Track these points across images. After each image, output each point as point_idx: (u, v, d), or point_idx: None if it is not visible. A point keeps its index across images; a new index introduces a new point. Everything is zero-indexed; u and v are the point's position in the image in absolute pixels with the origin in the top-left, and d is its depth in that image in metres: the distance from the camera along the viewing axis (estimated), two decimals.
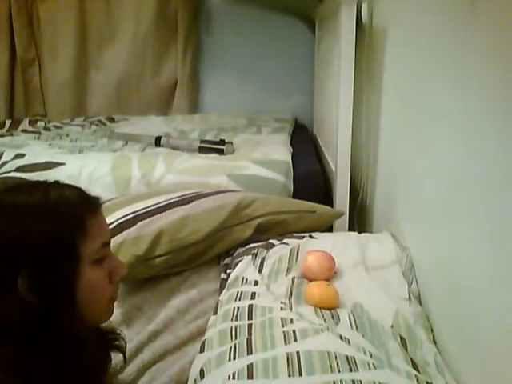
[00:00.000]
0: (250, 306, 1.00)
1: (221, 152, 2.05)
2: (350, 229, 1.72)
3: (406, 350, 0.88)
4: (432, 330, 1.01)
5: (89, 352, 0.79)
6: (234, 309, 1.01)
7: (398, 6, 1.45)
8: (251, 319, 0.96)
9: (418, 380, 0.79)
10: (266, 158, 1.92)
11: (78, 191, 0.80)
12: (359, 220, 1.82)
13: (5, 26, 2.87)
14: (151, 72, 2.93)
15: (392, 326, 0.94)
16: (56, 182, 0.80)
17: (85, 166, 1.85)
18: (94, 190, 1.48)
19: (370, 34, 1.71)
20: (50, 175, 1.77)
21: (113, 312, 0.85)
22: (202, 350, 0.92)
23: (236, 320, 0.97)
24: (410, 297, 1.05)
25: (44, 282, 0.72)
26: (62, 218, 0.74)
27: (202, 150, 2.10)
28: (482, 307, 0.83)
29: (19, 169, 1.86)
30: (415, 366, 0.83)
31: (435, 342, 0.98)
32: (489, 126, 0.82)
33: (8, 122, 2.73)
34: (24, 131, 2.57)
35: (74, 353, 0.75)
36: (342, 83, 1.63)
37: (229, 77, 2.96)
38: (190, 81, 2.92)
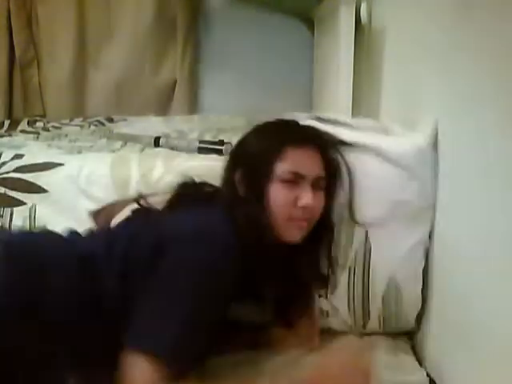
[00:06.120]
0: None
1: (220, 152, 2.04)
2: None
3: None
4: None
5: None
6: None
7: (396, 6, 1.45)
8: None
9: None
10: None
11: (290, 126, 1.16)
12: None
13: (3, 26, 2.85)
14: (150, 72, 2.91)
15: None
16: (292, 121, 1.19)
17: (84, 166, 1.84)
18: (92, 191, 1.47)
19: (369, 34, 1.71)
20: (48, 176, 1.76)
21: (295, 238, 1.07)
22: None
23: None
24: None
25: (249, 180, 1.09)
26: (271, 141, 1.10)
27: (201, 150, 2.09)
28: (477, 299, 0.83)
29: (18, 169, 1.85)
30: None
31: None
32: (488, 124, 0.81)
33: (7, 123, 2.72)
34: (23, 131, 2.56)
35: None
36: (341, 83, 1.63)
37: (228, 77, 2.95)
38: (189, 81, 2.91)
